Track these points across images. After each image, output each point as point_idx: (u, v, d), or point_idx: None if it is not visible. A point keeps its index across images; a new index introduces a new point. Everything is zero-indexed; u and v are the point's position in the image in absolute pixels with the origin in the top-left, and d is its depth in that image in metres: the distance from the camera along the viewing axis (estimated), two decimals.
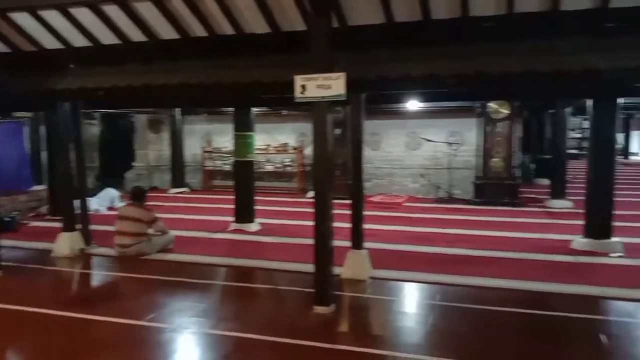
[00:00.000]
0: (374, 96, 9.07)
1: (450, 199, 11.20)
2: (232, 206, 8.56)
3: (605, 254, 6.56)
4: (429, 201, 11.29)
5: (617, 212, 7.08)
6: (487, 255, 6.70)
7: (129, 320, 4.55)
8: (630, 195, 11.69)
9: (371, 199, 11.10)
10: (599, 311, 4.94)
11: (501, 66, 4.85)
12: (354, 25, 5.22)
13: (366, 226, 6.03)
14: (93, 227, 7.48)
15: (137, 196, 7.09)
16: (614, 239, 6.75)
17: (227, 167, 13.50)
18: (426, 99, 9.32)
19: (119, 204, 10.29)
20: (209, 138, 14.38)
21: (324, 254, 4.73)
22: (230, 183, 10.23)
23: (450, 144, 11.44)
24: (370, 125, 11.82)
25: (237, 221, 8.44)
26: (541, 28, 4.95)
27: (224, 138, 13.36)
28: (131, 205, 7.04)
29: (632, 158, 22.59)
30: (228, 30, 5.49)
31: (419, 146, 12.12)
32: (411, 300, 5.29)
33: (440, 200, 11.20)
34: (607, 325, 4.60)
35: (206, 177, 14.39)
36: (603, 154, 6.71)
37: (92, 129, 13.79)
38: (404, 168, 12.35)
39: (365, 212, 5.99)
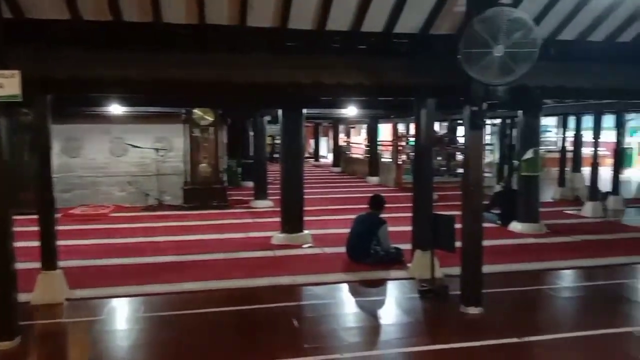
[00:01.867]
0: (71, 98, 8.27)
1: (160, 206, 11.02)
2: None
3: (299, 246, 7.41)
4: (138, 210, 10.86)
5: (308, 208, 8.08)
6: (197, 259, 6.80)
7: None
8: (320, 192, 13.53)
9: (72, 211, 10.07)
10: (294, 298, 5.53)
11: (197, 74, 4.98)
12: (35, 18, 4.63)
13: (63, 242, 5.43)
14: None
15: None
16: (305, 232, 7.68)
17: None
18: (130, 103, 8.99)
19: None
20: None
21: (3, 280, 4.04)
22: None
23: (157, 150, 11.25)
24: (68, 130, 10.78)
25: None
26: (233, 41, 5.27)
27: None
28: None
29: (322, 160, 26.18)
30: None
31: (125, 152, 11.56)
32: (115, 317, 4.96)
33: (149, 208, 10.90)
34: (300, 309, 5.20)
35: None
36: (293, 158, 7.57)
37: None
38: (110, 176, 11.59)
39: (63, 227, 5.38)
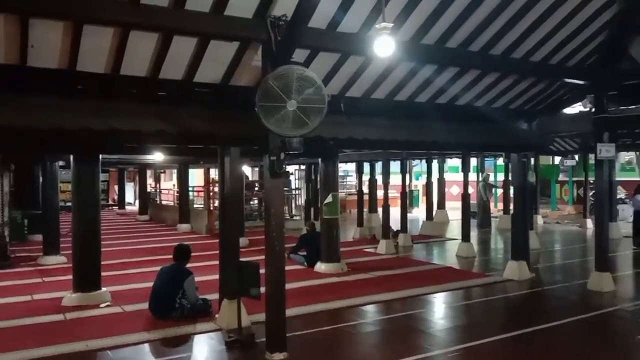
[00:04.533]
0: None
1: None
2: None
3: (96, 306, 6.69)
4: None
5: (107, 262, 7.39)
6: None
7: None
8: (123, 243, 12.59)
9: None
10: None
11: None
12: None
13: None
14: None
15: None
16: (103, 290, 6.98)
17: None
18: None
19: None
20: None
21: None
22: None
23: None
24: None
25: None
26: (12, 82, 4.73)
27: None
28: None
29: (128, 208, 24.53)
30: None
31: None
32: None
33: None
34: None
35: None
36: (87, 207, 6.91)
37: None
38: None
39: None
